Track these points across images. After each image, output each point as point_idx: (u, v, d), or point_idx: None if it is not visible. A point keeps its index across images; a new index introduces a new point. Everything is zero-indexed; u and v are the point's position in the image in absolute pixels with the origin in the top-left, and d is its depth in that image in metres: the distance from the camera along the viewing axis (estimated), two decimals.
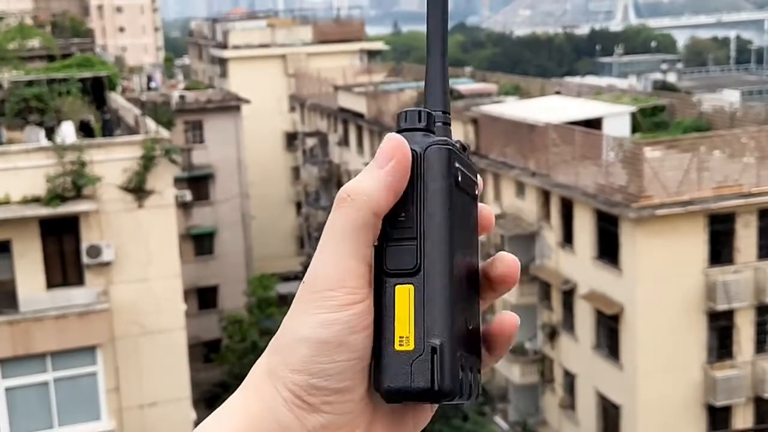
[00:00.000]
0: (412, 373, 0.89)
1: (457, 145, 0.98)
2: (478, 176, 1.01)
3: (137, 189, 22.38)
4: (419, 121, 0.97)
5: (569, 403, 29.88)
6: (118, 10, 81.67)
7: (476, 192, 0.99)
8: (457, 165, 0.95)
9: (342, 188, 0.93)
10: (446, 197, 0.93)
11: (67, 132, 22.89)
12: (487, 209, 1.01)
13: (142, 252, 22.47)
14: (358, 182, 0.92)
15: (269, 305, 38.93)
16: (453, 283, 0.92)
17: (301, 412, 0.91)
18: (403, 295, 0.92)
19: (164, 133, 24.26)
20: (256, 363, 0.95)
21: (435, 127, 0.97)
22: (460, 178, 0.95)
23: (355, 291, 0.91)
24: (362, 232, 0.92)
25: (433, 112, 0.98)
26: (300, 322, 0.92)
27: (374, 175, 0.92)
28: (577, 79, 68.74)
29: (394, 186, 0.92)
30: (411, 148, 0.93)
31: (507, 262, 0.98)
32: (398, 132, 0.96)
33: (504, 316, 0.98)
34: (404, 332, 0.91)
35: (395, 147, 0.93)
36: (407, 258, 0.92)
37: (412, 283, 0.92)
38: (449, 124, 0.99)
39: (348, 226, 0.91)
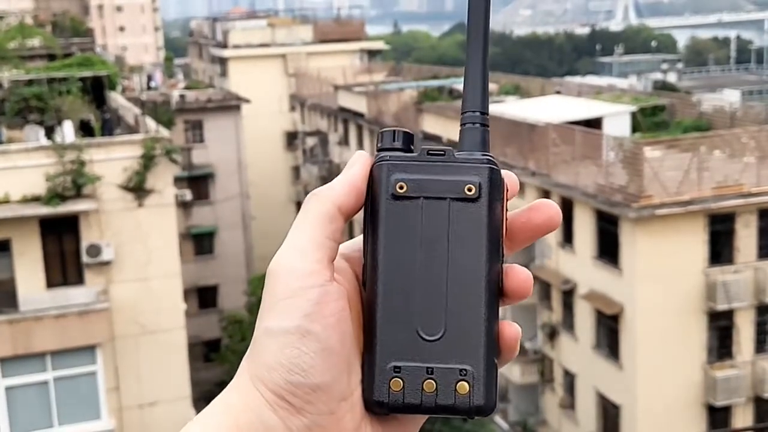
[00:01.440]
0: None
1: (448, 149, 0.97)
2: (483, 175, 0.96)
3: (137, 188, 22.37)
4: (394, 140, 0.97)
5: (569, 403, 29.88)
6: (119, 9, 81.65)
7: (453, 195, 0.95)
8: (401, 176, 0.94)
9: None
10: (381, 213, 0.95)
11: (67, 131, 22.90)
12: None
13: (142, 251, 22.47)
14: (323, 186, 0.97)
15: None
16: (381, 299, 0.94)
17: (285, 413, 0.90)
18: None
19: (164, 132, 24.27)
20: (241, 363, 0.95)
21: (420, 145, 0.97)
22: (404, 189, 0.94)
23: (308, 276, 0.91)
24: (321, 221, 0.93)
25: (469, 113, 0.98)
26: (264, 315, 0.92)
27: (337, 177, 0.96)
28: (577, 79, 68.67)
29: (354, 182, 0.95)
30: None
31: (521, 277, 0.96)
32: (377, 152, 0.98)
33: (504, 326, 0.96)
34: None
35: (356, 155, 0.97)
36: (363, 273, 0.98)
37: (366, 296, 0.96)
38: (487, 125, 0.98)
39: (309, 215, 0.94)
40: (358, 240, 1.00)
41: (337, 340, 0.91)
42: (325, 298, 0.91)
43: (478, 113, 0.98)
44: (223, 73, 58.19)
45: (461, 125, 0.98)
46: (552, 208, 0.98)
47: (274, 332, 0.90)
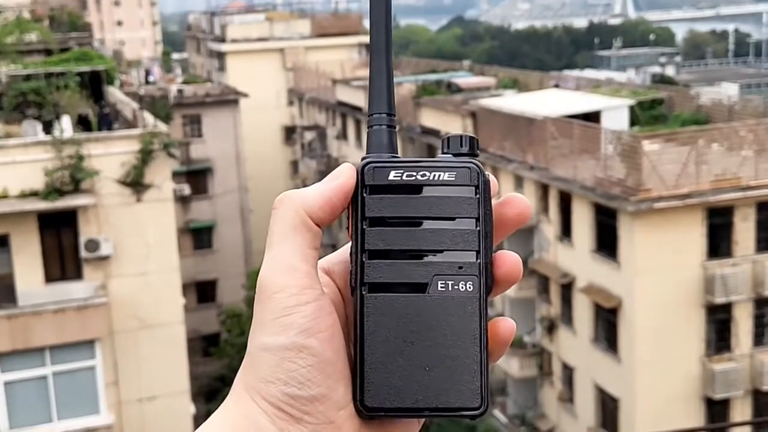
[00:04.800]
0: None
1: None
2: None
3: (135, 183, 22.35)
4: (461, 146, 0.98)
5: (568, 396, 29.91)
6: (116, 3, 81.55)
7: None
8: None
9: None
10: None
11: (65, 126, 22.87)
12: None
13: (140, 246, 22.46)
14: (295, 190, 0.95)
15: None
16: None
17: (284, 423, 0.91)
18: None
19: (162, 127, 24.23)
20: (235, 378, 0.96)
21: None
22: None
23: (302, 292, 0.92)
24: (299, 232, 0.93)
25: (376, 115, 0.98)
26: (259, 331, 0.93)
27: (314, 185, 0.95)
28: (575, 73, 68.69)
29: (330, 197, 0.94)
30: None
31: (510, 262, 0.96)
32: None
33: (499, 321, 0.97)
34: None
35: (345, 168, 0.96)
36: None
37: None
38: (394, 126, 0.99)
39: (285, 226, 0.93)
40: (338, 253, 1.01)
41: (333, 353, 0.92)
42: (320, 312, 0.92)
43: (384, 115, 0.98)
44: (221, 68, 58.13)
45: (368, 127, 0.99)
46: (522, 202, 0.98)
47: (271, 348, 0.91)
